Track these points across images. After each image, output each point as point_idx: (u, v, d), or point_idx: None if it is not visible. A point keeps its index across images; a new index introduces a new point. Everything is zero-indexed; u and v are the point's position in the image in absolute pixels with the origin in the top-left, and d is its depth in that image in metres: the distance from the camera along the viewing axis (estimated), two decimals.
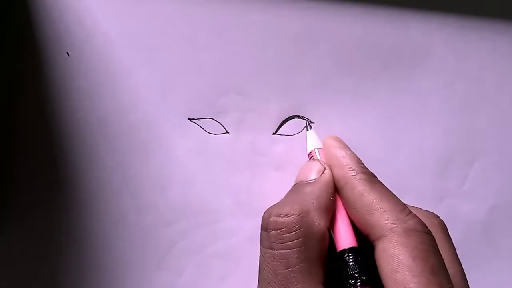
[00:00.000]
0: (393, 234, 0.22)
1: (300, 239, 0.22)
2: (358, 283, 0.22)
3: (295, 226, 0.22)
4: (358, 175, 0.24)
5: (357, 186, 0.24)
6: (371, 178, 0.25)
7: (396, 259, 0.22)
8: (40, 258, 0.29)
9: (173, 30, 0.29)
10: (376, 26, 0.30)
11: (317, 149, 0.28)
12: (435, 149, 0.32)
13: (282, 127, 0.30)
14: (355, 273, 0.22)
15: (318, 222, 0.23)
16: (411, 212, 0.23)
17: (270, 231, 0.23)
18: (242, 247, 0.30)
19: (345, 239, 0.23)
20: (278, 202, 0.24)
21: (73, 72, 0.29)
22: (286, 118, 0.30)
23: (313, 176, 0.25)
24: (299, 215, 0.23)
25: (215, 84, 0.30)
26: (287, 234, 0.22)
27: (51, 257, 0.29)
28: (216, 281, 0.30)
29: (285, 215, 0.23)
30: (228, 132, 0.30)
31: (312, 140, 0.29)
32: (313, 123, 0.30)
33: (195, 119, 0.30)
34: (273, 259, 0.22)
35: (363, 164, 0.25)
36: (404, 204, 0.24)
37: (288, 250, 0.22)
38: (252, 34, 0.29)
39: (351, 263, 0.22)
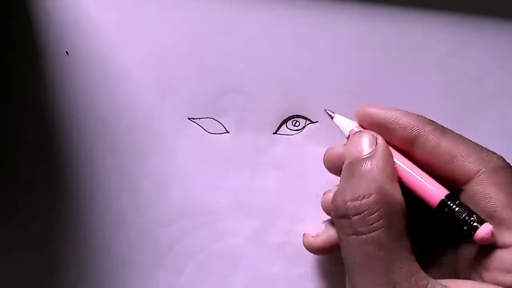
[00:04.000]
0: (481, 175, 0.22)
1: (386, 216, 0.21)
2: (474, 223, 0.22)
3: (377, 205, 0.21)
4: (426, 127, 0.24)
5: (430, 138, 0.23)
6: (437, 125, 0.24)
7: (491, 199, 0.22)
8: (40, 258, 0.29)
9: (173, 30, 0.29)
10: (376, 25, 0.30)
11: (357, 126, 0.26)
12: None
13: (282, 126, 0.30)
14: (465, 215, 0.22)
15: (394, 193, 0.22)
16: (489, 150, 0.23)
17: (351, 217, 0.22)
18: (242, 247, 0.30)
19: (437, 190, 0.23)
20: (345, 185, 0.23)
21: (73, 71, 0.29)
22: (286, 118, 0.30)
23: (368, 148, 0.24)
24: (377, 192, 0.22)
25: (215, 84, 0.30)
26: (372, 216, 0.21)
27: (51, 257, 0.29)
28: (216, 281, 0.30)
29: (363, 197, 0.22)
30: (228, 132, 0.30)
31: (347, 121, 0.27)
32: (316, 122, 0.30)
33: (195, 118, 0.30)
34: (364, 244, 0.21)
35: (418, 114, 0.25)
36: (479, 144, 0.24)
37: (377, 231, 0.21)
38: (252, 34, 0.29)
39: (457, 208, 0.22)
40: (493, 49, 0.32)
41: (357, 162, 0.23)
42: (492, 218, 0.22)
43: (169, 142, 0.30)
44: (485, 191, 0.22)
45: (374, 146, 0.24)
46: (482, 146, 0.23)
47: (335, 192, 0.23)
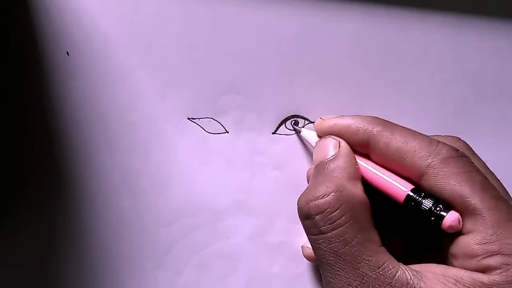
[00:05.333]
0: (432, 168, 0.23)
1: (347, 213, 0.22)
2: (442, 212, 0.22)
3: (338, 203, 0.22)
4: (374, 130, 0.24)
5: (380, 140, 0.24)
6: (386, 125, 0.25)
7: (445, 190, 0.22)
8: (40, 258, 0.29)
9: (173, 30, 0.29)
10: (376, 25, 0.30)
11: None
12: None
13: (281, 126, 0.30)
14: (431, 206, 0.22)
15: (355, 190, 0.23)
16: (439, 142, 0.23)
17: (314, 217, 0.23)
18: (242, 246, 0.30)
19: (402, 186, 0.24)
20: (308, 187, 0.24)
21: (73, 71, 0.29)
22: (286, 118, 0.30)
23: (331, 152, 0.25)
24: (336, 191, 0.22)
25: (215, 84, 0.30)
26: (333, 213, 0.22)
27: (51, 257, 0.29)
28: (216, 281, 0.30)
29: (323, 196, 0.22)
30: (227, 132, 0.30)
31: (312, 134, 0.29)
32: (313, 122, 0.30)
33: (195, 118, 0.30)
34: (329, 242, 0.22)
35: (369, 116, 0.26)
36: (429, 137, 0.24)
37: (340, 228, 0.22)
38: (252, 34, 0.29)
39: (423, 200, 0.23)
40: (492, 49, 0.32)
41: (322, 164, 0.25)
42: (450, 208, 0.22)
43: (169, 142, 0.30)
44: (438, 183, 0.22)
45: (337, 148, 0.25)
46: (432, 139, 0.24)
47: (299, 195, 0.24)
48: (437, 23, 0.31)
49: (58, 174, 0.29)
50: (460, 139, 0.26)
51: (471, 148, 0.26)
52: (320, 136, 0.27)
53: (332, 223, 0.22)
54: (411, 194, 0.23)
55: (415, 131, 0.25)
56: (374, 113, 0.31)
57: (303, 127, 0.30)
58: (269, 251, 0.31)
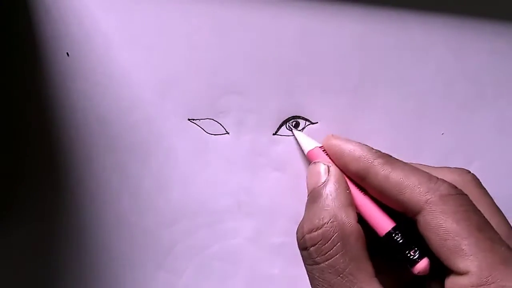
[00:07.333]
0: (430, 205, 0.22)
1: (338, 243, 0.22)
2: (416, 257, 0.23)
3: (329, 234, 0.23)
4: (376, 161, 0.25)
5: (379, 171, 0.24)
6: (388, 159, 0.25)
7: (441, 228, 0.22)
8: (40, 258, 0.29)
9: (173, 30, 0.29)
10: (376, 26, 0.30)
11: (317, 147, 0.28)
12: (434, 149, 0.32)
13: (282, 127, 0.30)
14: (409, 248, 0.23)
15: (348, 219, 0.23)
16: (439, 178, 0.23)
17: (309, 249, 0.23)
18: (242, 248, 0.30)
19: (384, 222, 0.24)
20: (304, 218, 0.25)
21: (73, 72, 0.29)
22: (286, 119, 0.30)
23: (322, 177, 0.25)
24: (329, 221, 0.23)
25: (215, 84, 0.30)
26: (325, 245, 0.23)
27: (51, 257, 0.29)
28: (216, 282, 0.30)
29: (317, 228, 0.23)
30: (228, 133, 0.30)
31: (305, 140, 0.29)
32: (316, 123, 0.30)
33: (195, 119, 0.30)
34: (322, 272, 0.23)
35: (373, 148, 0.26)
36: (429, 173, 0.24)
37: (332, 259, 0.22)
38: (252, 34, 0.29)
39: (400, 241, 0.23)
40: (492, 50, 0.32)
41: (314, 192, 0.25)
42: (443, 247, 0.22)
43: (169, 143, 0.30)
44: (435, 220, 0.22)
45: (327, 174, 0.25)
46: (431, 176, 0.24)
47: (298, 226, 0.25)
48: (437, 24, 0.31)
49: (58, 175, 0.29)
50: (469, 172, 0.26)
51: (479, 182, 0.26)
52: (314, 155, 0.28)
53: (325, 254, 0.23)
54: (391, 232, 0.24)
55: (416, 167, 0.24)
56: (374, 114, 0.31)
57: (303, 128, 0.30)
58: (270, 252, 0.31)
